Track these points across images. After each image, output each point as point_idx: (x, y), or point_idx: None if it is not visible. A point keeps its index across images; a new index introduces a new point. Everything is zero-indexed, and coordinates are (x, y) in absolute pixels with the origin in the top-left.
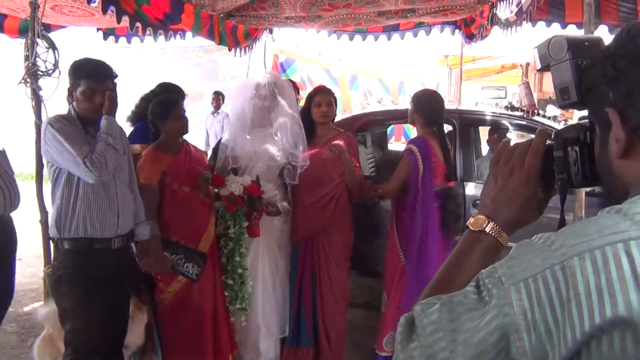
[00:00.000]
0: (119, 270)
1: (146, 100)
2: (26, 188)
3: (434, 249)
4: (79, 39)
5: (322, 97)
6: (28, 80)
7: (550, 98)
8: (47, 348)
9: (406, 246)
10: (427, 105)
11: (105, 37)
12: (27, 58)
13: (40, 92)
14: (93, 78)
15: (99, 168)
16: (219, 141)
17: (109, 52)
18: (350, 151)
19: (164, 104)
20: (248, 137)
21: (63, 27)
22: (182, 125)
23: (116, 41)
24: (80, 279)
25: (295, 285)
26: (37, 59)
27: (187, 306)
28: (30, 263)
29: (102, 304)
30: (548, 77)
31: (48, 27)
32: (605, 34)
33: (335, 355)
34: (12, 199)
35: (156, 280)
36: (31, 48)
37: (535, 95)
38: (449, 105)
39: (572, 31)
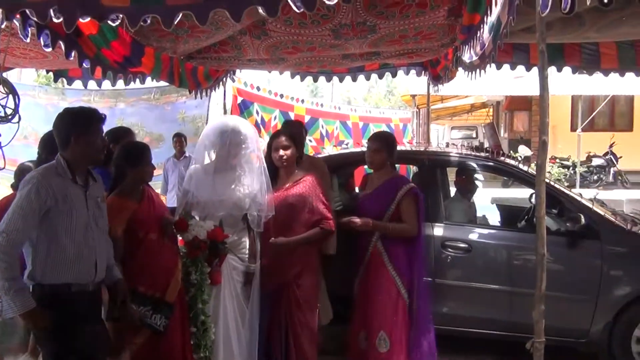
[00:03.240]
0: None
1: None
2: None
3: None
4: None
5: (279, 141)
6: None
7: (521, 138)
8: None
9: (408, 281)
10: (395, 147)
11: (55, 79)
12: None
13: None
14: (99, 122)
15: None
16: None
17: (59, 94)
18: (312, 192)
19: (137, 149)
20: (211, 181)
21: (10, 69)
22: (152, 171)
23: (69, 84)
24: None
25: (264, 332)
26: None
27: (156, 358)
28: None
29: (75, 344)
30: (519, 116)
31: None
32: (569, 75)
33: None
34: None
35: (120, 331)
36: None
37: (506, 135)
38: (415, 147)
39: (536, 73)
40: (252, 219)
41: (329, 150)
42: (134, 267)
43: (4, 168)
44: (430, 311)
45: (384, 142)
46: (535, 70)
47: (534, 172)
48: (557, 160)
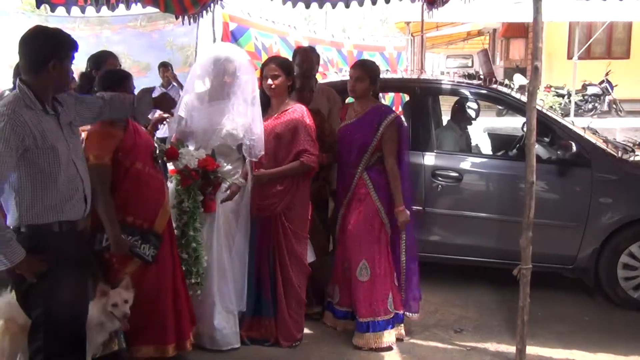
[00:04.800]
0: (82, 250)
1: (87, 76)
2: None
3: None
4: None
5: (269, 69)
6: None
7: (517, 66)
8: (5, 342)
9: (388, 209)
10: (378, 76)
11: (38, 5)
12: None
13: None
14: (74, 49)
15: None
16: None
17: (42, 22)
18: (299, 124)
19: (117, 76)
20: (205, 110)
21: None
22: None
23: (52, 10)
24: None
25: (254, 258)
26: None
27: (145, 288)
28: None
29: (68, 284)
30: (515, 44)
31: None
32: (567, 1)
33: (295, 324)
34: None
35: (109, 261)
36: None
37: (502, 63)
38: (406, 75)
39: None
40: (245, 148)
41: (333, 77)
42: (120, 197)
43: None
44: (415, 241)
45: (366, 69)
46: None
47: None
48: (552, 89)
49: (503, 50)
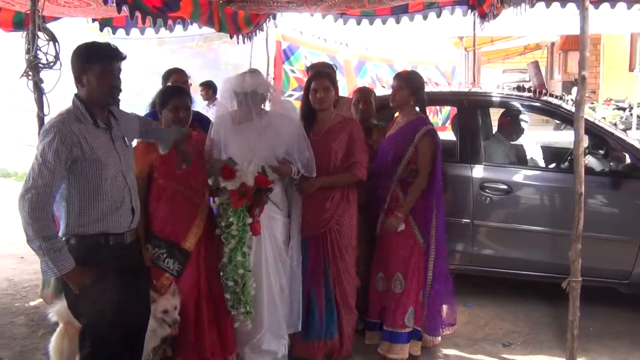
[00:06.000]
0: (132, 261)
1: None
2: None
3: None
4: (68, 31)
5: (318, 82)
6: (30, 73)
7: (575, 80)
8: (65, 344)
9: (424, 227)
10: (420, 87)
11: (101, 28)
12: (28, 51)
13: (42, 85)
14: (107, 60)
15: (23, 209)
16: None
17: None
18: (355, 136)
19: (163, 92)
20: (239, 131)
21: (56, 19)
22: (176, 118)
23: (113, 33)
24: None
25: (305, 278)
26: (38, 51)
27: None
28: (33, 261)
29: (113, 296)
30: (573, 56)
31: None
32: (627, 12)
33: (349, 340)
34: None
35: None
36: (32, 41)
37: (560, 76)
38: (455, 88)
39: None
40: (301, 165)
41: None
42: (152, 212)
43: (48, 114)
44: (444, 260)
45: (405, 80)
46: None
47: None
48: (612, 102)
49: (561, 63)
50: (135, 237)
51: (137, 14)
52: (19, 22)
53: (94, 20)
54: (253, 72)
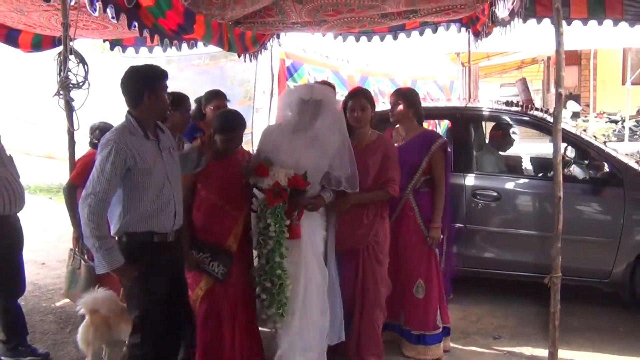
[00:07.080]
0: (177, 262)
1: (197, 101)
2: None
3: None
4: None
5: (356, 101)
6: (61, 92)
7: (570, 94)
8: (90, 333)
9: (429, 227)
10: (419, 103)
11: (112, 47)
12: (60, 72)
13: (72, 103)
14: (164, 80)
15: (83, 211)
16: None
17: (111, 62)
18: (390, 154)
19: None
20: (287, 143)
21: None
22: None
23: (123, 51)
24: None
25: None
26: (69, 73)
27: (214, 308)
28: (54, 267)
29: (158, 292)
30: (568, 71)
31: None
32: (609, 28)
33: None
34: (12, 200)
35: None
36: (64, 63)
37: (554, 90)
38: (447, 103)
39: (577, 27)
40: (343, 181)
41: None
42: (194, 220)
43: (78, 129)
44: (453, 258)
45: (401, 95)
46: (574, 25)
47: (570, 126)
48: (605, 115)
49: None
50: (176, 237)
51: (156, 35)
52: (37, 44)
53: (104, 40)
54: (322, 83)
